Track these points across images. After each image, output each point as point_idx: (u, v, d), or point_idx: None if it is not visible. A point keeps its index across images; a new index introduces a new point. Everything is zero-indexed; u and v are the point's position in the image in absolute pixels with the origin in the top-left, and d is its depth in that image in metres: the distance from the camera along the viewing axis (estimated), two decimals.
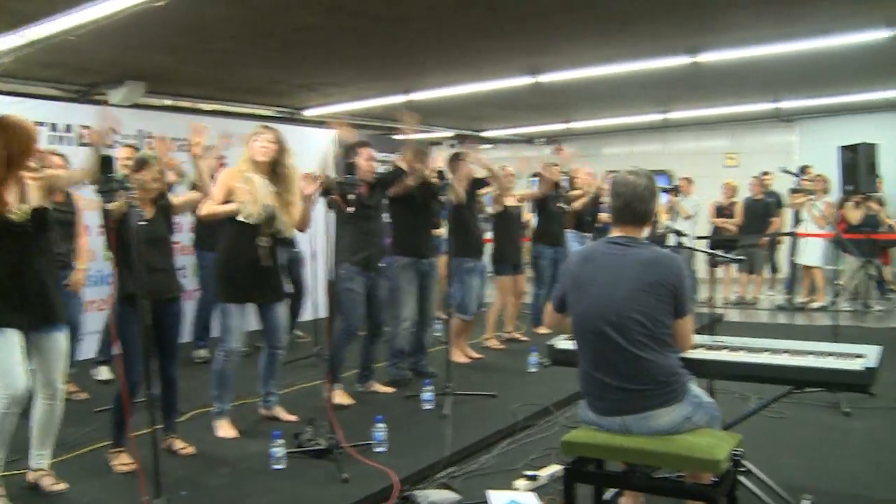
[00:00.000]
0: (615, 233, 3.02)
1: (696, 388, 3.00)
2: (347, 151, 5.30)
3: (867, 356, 3.08)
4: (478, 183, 6.62)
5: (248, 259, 4.55)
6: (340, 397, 5.29)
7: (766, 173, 10.64)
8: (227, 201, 4.51)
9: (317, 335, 7.16)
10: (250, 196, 4.48)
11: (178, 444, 4.33)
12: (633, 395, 2.84)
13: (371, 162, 5.44)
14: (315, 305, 7.78)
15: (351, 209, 4.49)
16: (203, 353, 6.79)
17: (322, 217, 5.18)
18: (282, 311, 4.85)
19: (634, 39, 7.45)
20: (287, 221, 4.63)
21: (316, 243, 7.57)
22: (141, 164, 4.11)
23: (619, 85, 9.57)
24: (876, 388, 3.00)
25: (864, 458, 4.26)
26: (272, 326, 4.80)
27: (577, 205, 8.32)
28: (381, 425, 4.37)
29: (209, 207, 4.51)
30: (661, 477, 3.17)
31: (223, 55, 7.78)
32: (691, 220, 10.69)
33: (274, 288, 4.75)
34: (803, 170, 9.55)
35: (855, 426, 4.82)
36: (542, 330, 7.50)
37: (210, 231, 5.84)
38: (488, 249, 7.22)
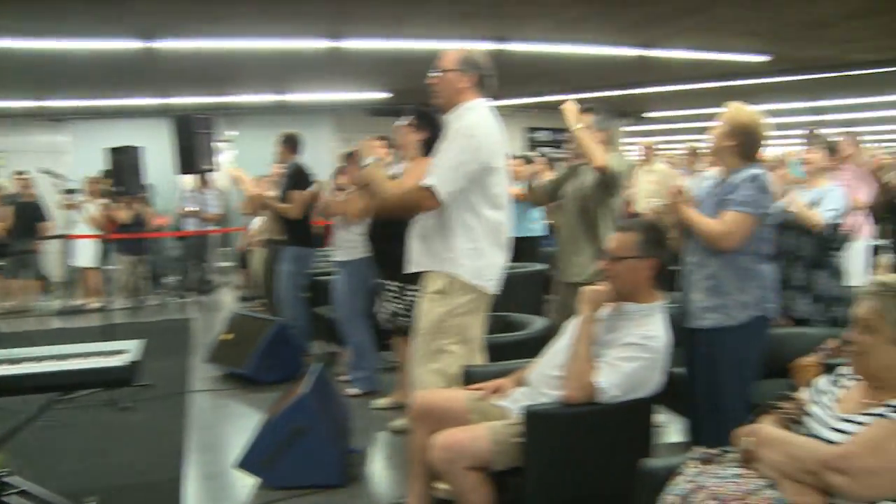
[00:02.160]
0: None
1: None
2: None
3: (129, 351, 3.20)
4: None
5: None
6: None
7: (21, 173, 10.33)
8: None
9: None
10: None
11: None
12: None
13: None
14: None
15: None
16: None
17: None
18: None
19: None
20: None
21: None
22: None
23: None
24: (154, 377, 3.14)
25: (143, 447, 4.44)
26: None
27: None
28: None
29: None
30: None
31: None
32: None
33: None
34: (52, 173, 9.46)
35: (134, 419, 4.93)
36: None
37: None
38: None
